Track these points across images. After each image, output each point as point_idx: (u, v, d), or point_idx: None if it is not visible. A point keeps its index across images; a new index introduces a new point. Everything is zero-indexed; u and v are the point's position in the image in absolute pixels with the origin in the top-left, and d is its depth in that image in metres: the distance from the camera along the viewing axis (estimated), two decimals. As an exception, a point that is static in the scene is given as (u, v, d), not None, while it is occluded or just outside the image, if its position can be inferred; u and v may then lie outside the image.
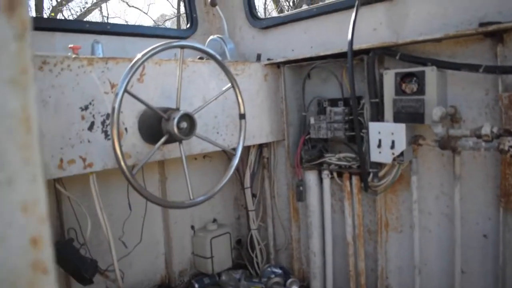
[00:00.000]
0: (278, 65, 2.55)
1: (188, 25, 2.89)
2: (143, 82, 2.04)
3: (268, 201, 2.81)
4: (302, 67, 2.50)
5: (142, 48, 2.70)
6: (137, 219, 2.57)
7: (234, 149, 2.11)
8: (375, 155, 2.08)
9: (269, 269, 2.72)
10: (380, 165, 2.16)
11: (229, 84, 2.07)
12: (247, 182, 2.77)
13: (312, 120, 2.38)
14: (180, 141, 1.93)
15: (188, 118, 1.92)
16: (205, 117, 2.22)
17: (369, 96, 2.12)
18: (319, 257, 2.48)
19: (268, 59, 2.65)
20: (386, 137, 2.02)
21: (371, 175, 2.17)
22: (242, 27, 2.89)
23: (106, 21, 10.13)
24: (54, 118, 1.77)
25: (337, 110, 2.26)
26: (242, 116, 2.12)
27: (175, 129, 1.86)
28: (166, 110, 1.94)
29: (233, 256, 2.91)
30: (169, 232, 2.73)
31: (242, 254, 3.02)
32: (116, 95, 1.70)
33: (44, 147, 1.74)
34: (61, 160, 1.79)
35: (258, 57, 2.63)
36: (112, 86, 1.94)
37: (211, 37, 2.54)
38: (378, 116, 2.10)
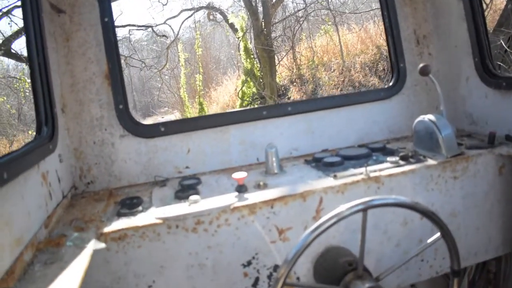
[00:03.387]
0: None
1: (393, 81, 2.18)
2: (321, 214, 1.61)
3: (492, 321, 2.12)
4: None
5: (330, 121, 2.20)
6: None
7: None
8: None
9: None
10: None
11: (438, 234, 1.46)
12: (464, 292, 2.11)
13: None
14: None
15: (374, 289, 1.43)
16: (402, 237, 1.69)
17: None
18: None
19: (507, 137, 1.84)
20: None
21: None
22: (470, 78, 2.05)
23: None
24: (213, 281, 1.53)
25: None
26: (455, 274, 1.49)
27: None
28: (345, 271, 1.47)
29: None
30: None
31: None
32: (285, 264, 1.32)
33: None
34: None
35: (491, 138, 1.83)
36: (280, 232, 1.57)
37: (420, 118, 1.85)
38: None
